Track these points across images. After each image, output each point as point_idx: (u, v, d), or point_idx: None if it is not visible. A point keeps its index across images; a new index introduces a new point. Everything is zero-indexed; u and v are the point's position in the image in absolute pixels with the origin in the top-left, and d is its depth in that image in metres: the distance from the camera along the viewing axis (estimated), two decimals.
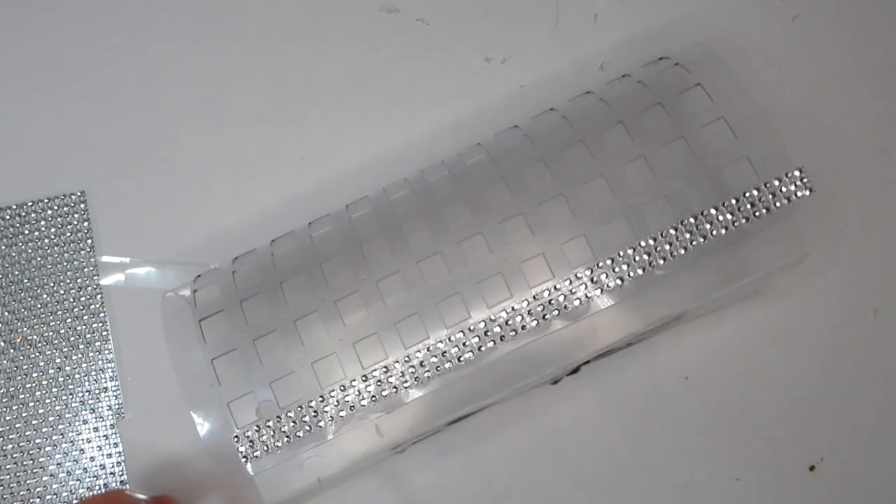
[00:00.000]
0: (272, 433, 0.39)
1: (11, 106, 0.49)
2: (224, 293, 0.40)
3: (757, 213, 0.39)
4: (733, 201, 0.39)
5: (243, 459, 0.38)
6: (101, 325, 0.46)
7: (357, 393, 0.39)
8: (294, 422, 0.38)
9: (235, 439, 0.38)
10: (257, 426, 0.38)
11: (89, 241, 0.47)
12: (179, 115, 0.49)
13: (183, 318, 0.40)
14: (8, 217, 0.47)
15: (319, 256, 0.40)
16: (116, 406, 0.45)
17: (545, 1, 0.49)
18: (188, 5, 0.50)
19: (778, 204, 0.39)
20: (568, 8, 0.49)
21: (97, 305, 0.46)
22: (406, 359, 0.39)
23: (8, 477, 0.44)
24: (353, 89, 0.49)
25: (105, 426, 0.45)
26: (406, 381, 0.39)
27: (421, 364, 0.39)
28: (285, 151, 0.48)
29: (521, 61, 0.49)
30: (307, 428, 0.38)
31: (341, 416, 0.39)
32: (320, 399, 0.38)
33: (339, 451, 0.40)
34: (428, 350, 0.39)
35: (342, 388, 0.39)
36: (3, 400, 0.45)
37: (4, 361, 0.46)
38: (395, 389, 0.39)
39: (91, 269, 0.47)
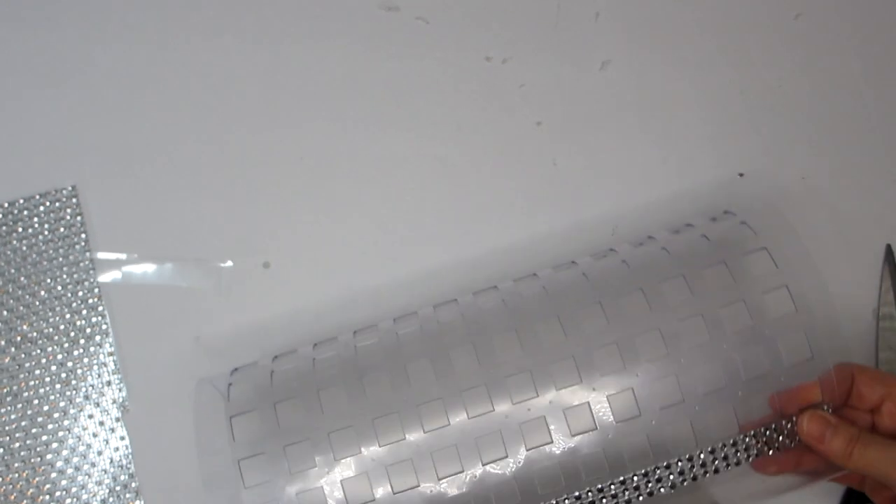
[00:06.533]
0: None
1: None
2: (258, 392, 0.39)
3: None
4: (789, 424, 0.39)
5: None
6: (100, 318, 0.46)
7: None
8: None
9: None
10: None
11: (83, 236, 0.47)
12: (170, 109, 0.48)
13: (214, 409, 0.39)
14: (1, 216, 0.47)
15: (360, 370, 0.39)
16: (121, 399, 0.46)
17: (545, 1, 0.49)
18: (183, 2, 0.48)
19: None
20: (568, 8, 0.49)
21: (95, 300, 0.46)
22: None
23: (17, 475, 0.45)
24: (353, 88, 0.48)
25: (110, 419, 0.46)
26: None
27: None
28: (282, 150, 0.48)
29: (521, 61, 0.48)
30: None
31: None
32: None
33: None
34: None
35: None
36: (8, 398, 0.45)
37: (6, 360, 0.46)
38: None
39: (87, 263, 0.47)
